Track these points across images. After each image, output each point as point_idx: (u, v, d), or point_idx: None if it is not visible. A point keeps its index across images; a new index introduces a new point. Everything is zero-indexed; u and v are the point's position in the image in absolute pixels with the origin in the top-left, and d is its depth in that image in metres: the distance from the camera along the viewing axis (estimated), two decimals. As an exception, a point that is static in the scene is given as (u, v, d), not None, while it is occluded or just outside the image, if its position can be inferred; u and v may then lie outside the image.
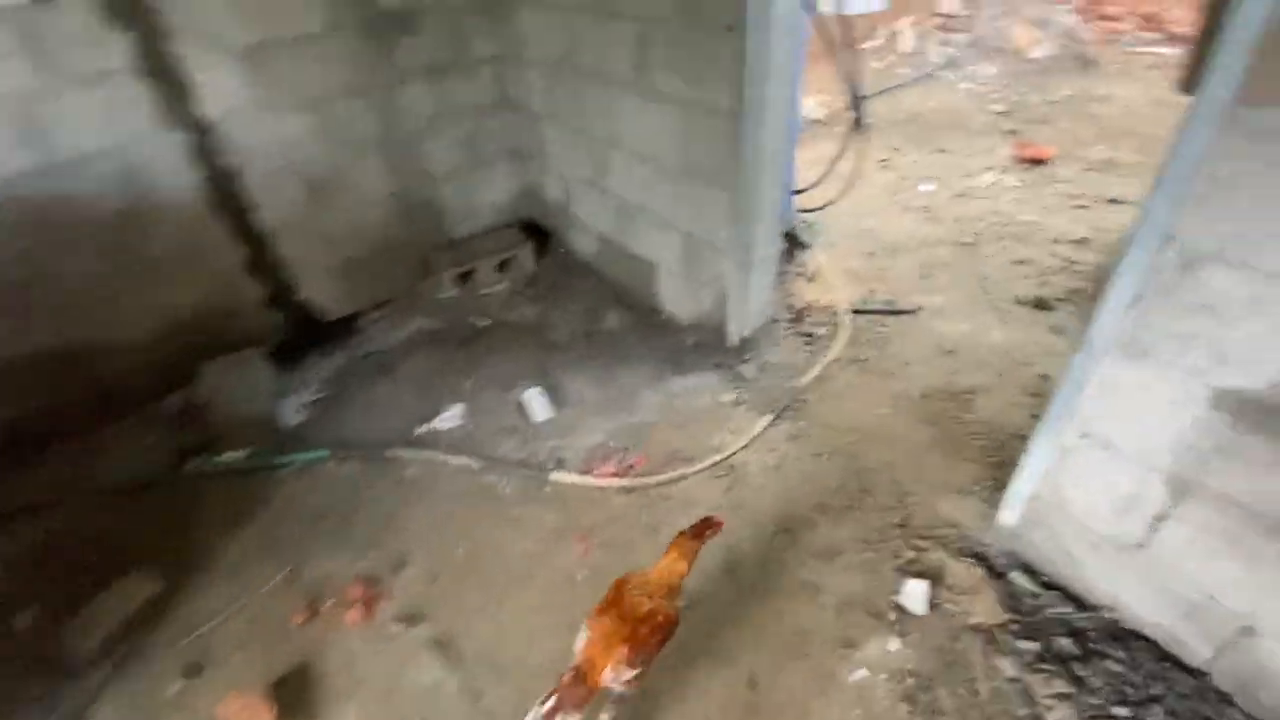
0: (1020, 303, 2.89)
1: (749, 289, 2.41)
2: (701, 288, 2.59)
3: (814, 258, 3.30)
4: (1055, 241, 3.33)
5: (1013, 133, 4.54)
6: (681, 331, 2.81)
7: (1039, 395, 2.35)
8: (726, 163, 2.13)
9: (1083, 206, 3.63)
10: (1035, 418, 2.37)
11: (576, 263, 3.43)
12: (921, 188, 4.05)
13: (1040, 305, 2.85)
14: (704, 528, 1.56)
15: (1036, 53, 5.43)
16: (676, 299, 2.80)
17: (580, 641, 1.38)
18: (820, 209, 3.47)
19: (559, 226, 3.52)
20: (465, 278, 3.25)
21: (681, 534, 1.54)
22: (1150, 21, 6.68)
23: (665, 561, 1.49)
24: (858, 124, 2.99)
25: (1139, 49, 6.11)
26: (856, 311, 2.86)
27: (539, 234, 3.60)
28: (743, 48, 1.86)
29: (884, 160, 4.48)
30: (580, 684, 1.32)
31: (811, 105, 5.38)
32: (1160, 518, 1.44)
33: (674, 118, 2.27)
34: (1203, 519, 1.37)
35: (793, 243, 3.14)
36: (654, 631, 1.37)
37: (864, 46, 6.00)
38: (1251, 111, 1.04)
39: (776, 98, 2.00)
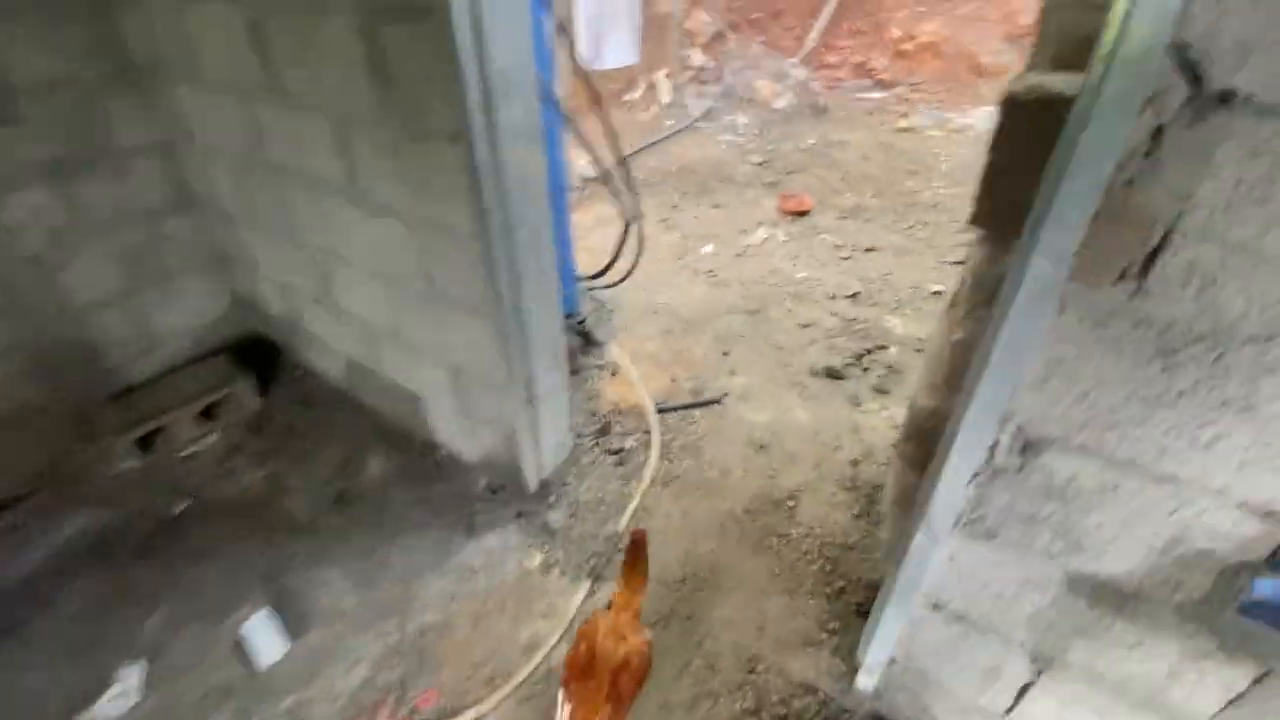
0: (814, 374, 2.85)
1: (539, 427, 1.97)
2: (483, 425, 2.09)
3: (612, 347, 2.98)
4: (832, 298, 3.41)
5: (774, 184, 4.75)
6: (470, 472, 2.28)
7: (855, 488, 2.24)
8: (479, 290, 1.68)
9: (847, 257, 3.82)
10: (858, 518, 2.30)
11: (321, 389, 2.72)
12: (704, 249, 3.99)
13: (833, 375, 2.83)
14: (635, 551, 1.47)
15: (779, 103, 5.84)
16: (455, 435, 2.27)
17: (564, 715, 1.34)
18: (614, 285, 3.18)
19: (291, 344, 2.77)
20: (150, 439, 2.37)
21: (624, 566, 1.47)
22: (861, 69, 7.69)
23: (620, 599, 1.45)
24: (629, 190, 2.74)
25: (858, 95, 6.95)
26: (664, 410, 2.58)
27: (265, 354, 2.80)
28: (471, 162, 1.42)
29: (665, 220, 4.38)
30: None
31: (584, 161, 5.17)
32: (1026, 687, 1.28)
33: (404, 235, 1.76)
34: (1070, 692, 1.22)
35: (587, 338, 2.79)
36: (633, 677, 1.34)
37: (627, 99, 5.99)
38: (1090, 291, 0.85)
39: (527, 214, 1.60)
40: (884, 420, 2.58)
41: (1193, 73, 0.68)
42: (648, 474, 2.22)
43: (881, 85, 7.24)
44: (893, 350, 3.00)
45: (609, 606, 1.47)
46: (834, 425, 2.55)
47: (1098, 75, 0.75)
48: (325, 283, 2.25)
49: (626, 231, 2.72)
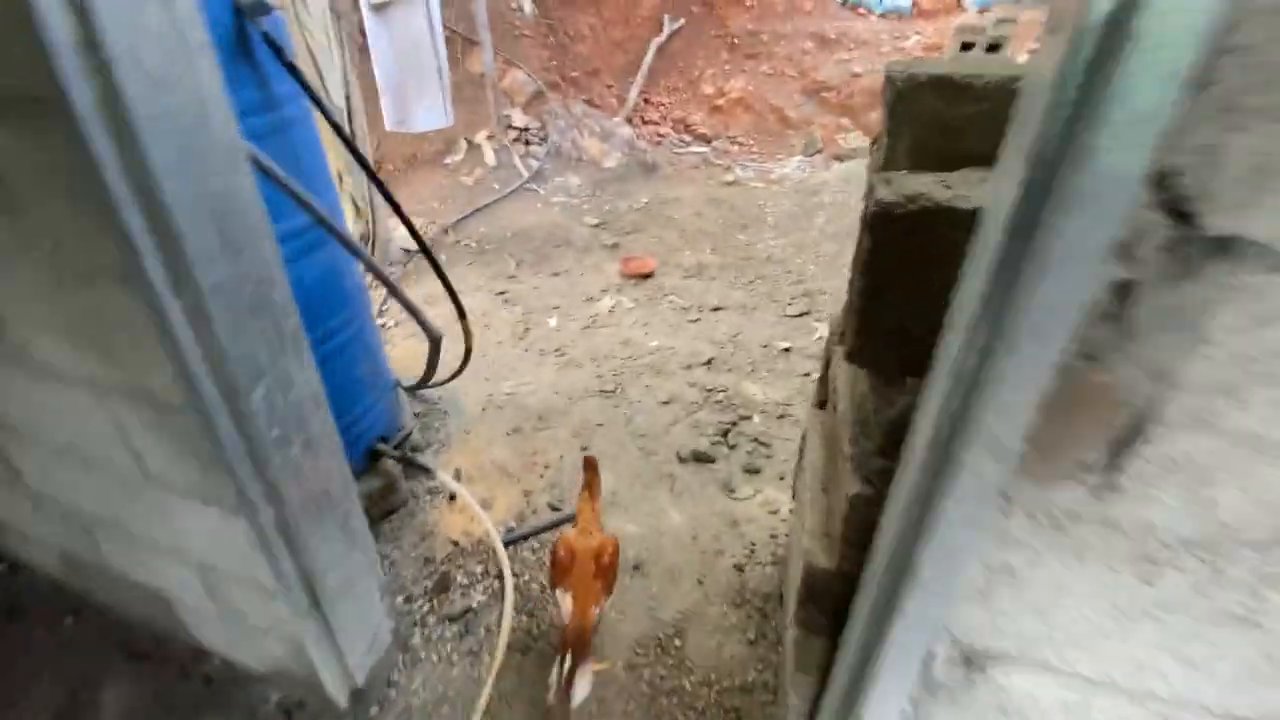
0: (683, 460, 2.60)
1: (337, 631, 1.46)
2: (261, 633, 1.53)
3: (449, 462, 2.51)
4: (688, 368, 3.23)
5: (615, 247, 4.58)
6: (254, 687, 1.68)
7: (744, 602, 1.98)
8: (210, 474, 1.18)
9: (696, 320, 3.69)
10: (753, 643, 2.03)
11: (34, 589, 1.95)
12: (549, 323, 3.66)
13: (702, 459, 2.61)
14: (590, 470, 1.85)
15: (609, 162, 5.78)
16: (227, 640, 1.67)
17: (565, 604, 1.54)
18: (448, 381, 2.72)
19: (-17, 534, 1.97)
20: None
21: (583, 485, 1.83)
22: (681, 124, 7.98)
23: (582, 518, 1.74)
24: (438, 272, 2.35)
25: (682, 150, 7.14)
26: (515, 540, 2.16)
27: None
28: (156, 309, 0.96)
29: (503, 293, 4.00)
30: (582, 635, 1.49)
31: (404, 232, 4.65)
32: None
33: (90, 404, 1.21)
34: None
35: (410, 463, 2.30)
36: (611, 559, 1.63)
37: (449, 162, 5.59)
38: (1042, 489, 0.62)
39: (266, 364, 1.15)
40: (760, 507, 2.37)
41: (1179, 211, 0.47)
42: (501, 643, 1.77)
43: (703, 140, 7.53)
44: (756, 420, 2.86)
45: (574, 520, 1.77)
46: (711, 523, 2.29)
47: (1029, 204, 0.52)
48: (5, 462, 1.58)
49: (435, 352, 2.30)
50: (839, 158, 6.61)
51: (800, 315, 3.73)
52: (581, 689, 1.44)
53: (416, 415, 2.78)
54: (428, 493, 2.35)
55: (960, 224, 0.74)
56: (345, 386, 1.99)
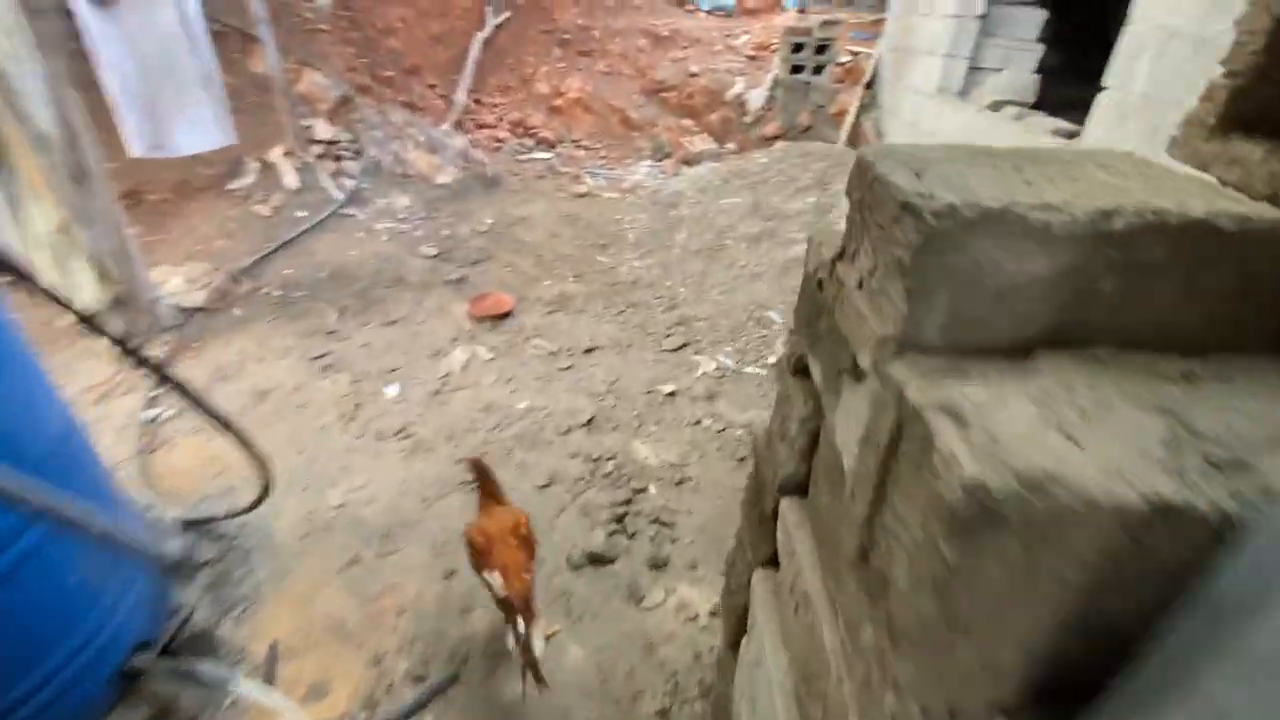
0: (576, 566, 2.15)
1: None
2: None
3: (259, 633, 1.83)
4: (567, 432, 2.76)
5: (460, 282, 3.95)
6: None
7: (684, 770, 1.59)
8: None
9: (567, 366, 3.22)
10: None
11: None
12: (388, 392, 2.99)
13: (599, 560, 2.17)
14: (481, 474, 1.87)
15: (442, 177, 5.06)
16: None
17: (497, 581, 1.60)
18: (251, 509, 2.02)
19: None
20: None
21: (479, 488, 1.87)
22: (520, 127, 7.37)
23: (482, 505, 1.84)
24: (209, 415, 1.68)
25: (524, 157, 6.56)
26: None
27: None
28: None
29: (322, 356, 3.23)
30: (523, 598, 1.58)
31: (179, 283, 3.66)
32: None
33: None
34: None
35: (186, 675, 1.59)
36: (528, 527, 1.75)
37: (235, 188, 4.54)
38: None
39: None
40: (676, 615, 1.99)
41: None
42: None
43: (545, 144, 7.01)
44: (652, 491, 2.47)
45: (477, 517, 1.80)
46: (622, 653, 1.87)
47: None
48: None
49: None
50: (688, 162, 6.44)
51: (679, 349, 3.41)
52: (538, 647, 1.55)
53: (206, 564, 2.04)
54: (230, 701, 1.66)
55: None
56: (48, 608, 1.28)
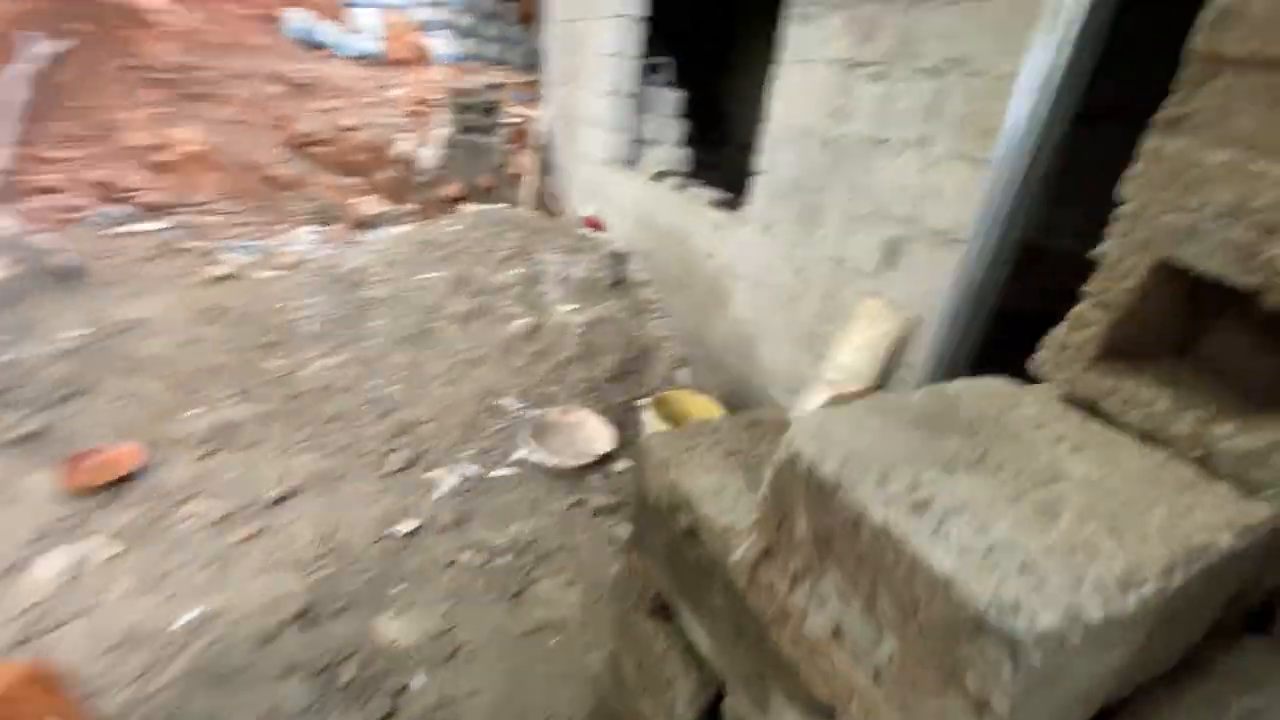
0: None
1: None
2: None
3: None
4: (271, 641, 1.99)
5: (37, 437, 2.64)
6: None
7: None
8: None
9: (250, 536, 2.37)
10: None
11: None
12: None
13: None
14: None
15: (-21, 275, 3.40)
16: None
17: None
18: None
19: None
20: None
21: None
22: (107, 191, 5.55)
23: None
24: None
25: (117, 230, 4.94)
26: None
27: None
28: None
29: None
30: None
31: None
32: None
33: None
34: None
35: None
36: None
37: None
38: None
39: None
40: None
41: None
42: None
43: (153, 212, 5.42)
44: (418, 684, 1.92)
45: None
46: None
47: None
48: None
49: None
50: (362, 225, 5.67)
51: (406, 468, 2.83)
52: None
53: None
54: None
55: None
56: None
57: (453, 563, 2.37)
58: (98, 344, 3.27)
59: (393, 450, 2.91)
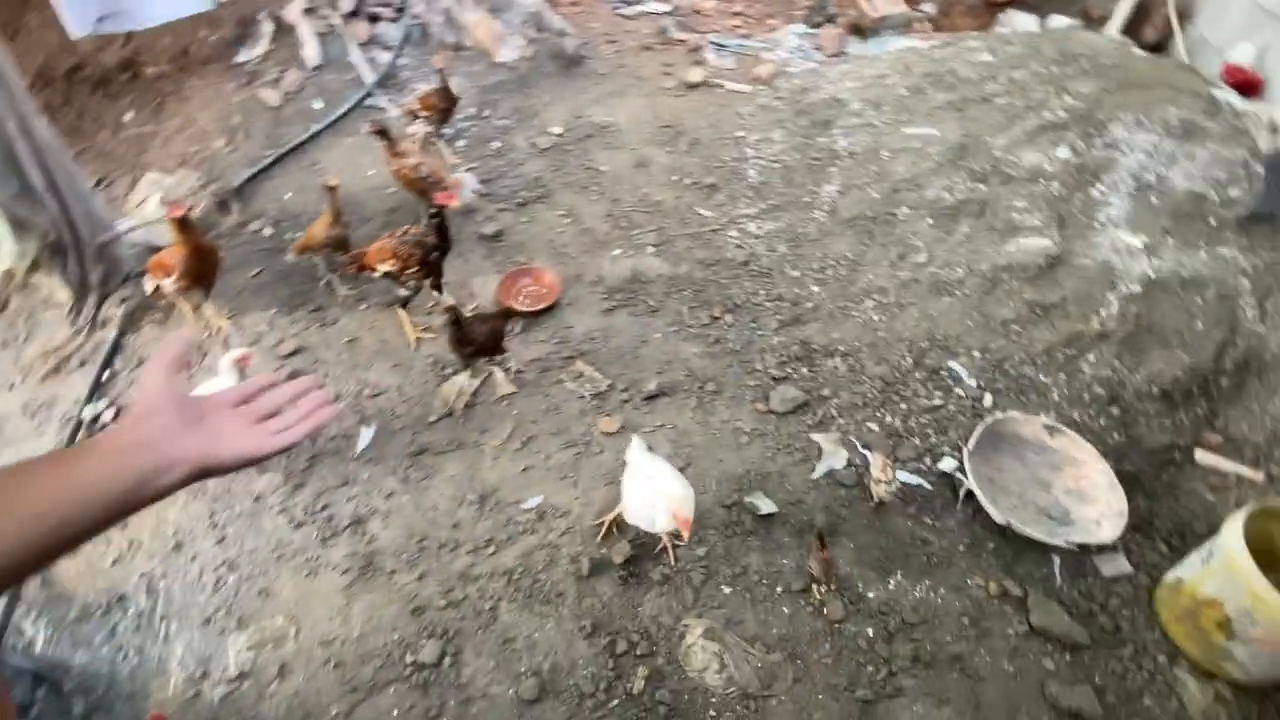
0: None
1: None
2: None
3: None
4: (588, 575, 1.77)
5: (495, 237, 2.81)
6: None
7: None
8: None
9: (599, 452, 2.14)
10: None
11: None
12: (364, 436, 2.10)
13: None
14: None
15: (505, 53, 3.69)
16: None
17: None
18: None
19: None
20: None
21: None
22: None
23: None
24: None
25: (626, 12, 4.85)
26: None
27: None
28: None
29: (293, 355, 2.36)
30: None
31: (154, 208, 2.83)
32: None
33: None
34: None
35: None
36: None
37: (244, 62, 3.50)
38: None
39: None
40: None
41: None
42: None
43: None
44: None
45: None
46: None
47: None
48: None
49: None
50: (859, 30, 4.49)
51: (794, 411, 2.20)
52: None
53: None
54: None
55: None
56: None
57: (805, 589, 1.76)
58: (569, 145, 3.30)
59: (783, 378, 2.29)
